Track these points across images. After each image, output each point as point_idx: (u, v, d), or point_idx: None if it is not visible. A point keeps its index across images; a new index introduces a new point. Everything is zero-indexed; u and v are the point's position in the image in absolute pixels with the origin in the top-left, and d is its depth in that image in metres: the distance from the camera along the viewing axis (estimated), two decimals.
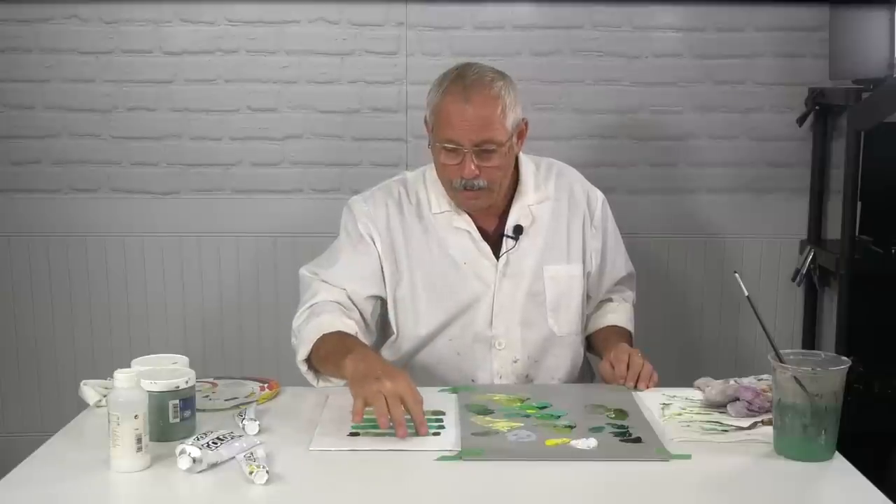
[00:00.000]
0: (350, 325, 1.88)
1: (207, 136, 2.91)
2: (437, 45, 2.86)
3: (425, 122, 1.96)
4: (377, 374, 1.62)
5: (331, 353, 1.78)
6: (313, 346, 1.83)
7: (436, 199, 1.98)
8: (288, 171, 2.93)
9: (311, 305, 1.91)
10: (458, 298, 1.96)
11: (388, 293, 1.98)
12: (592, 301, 2.11)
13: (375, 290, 1.98)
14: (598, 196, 2.07)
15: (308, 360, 1.85)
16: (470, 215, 1.97)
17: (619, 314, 2.12)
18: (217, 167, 2.92)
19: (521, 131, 1.94)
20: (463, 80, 1.88)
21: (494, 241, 1.98)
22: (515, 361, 1.97)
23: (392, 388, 1.58)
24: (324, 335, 1.83)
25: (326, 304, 1.90)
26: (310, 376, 1.86)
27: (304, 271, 1.99)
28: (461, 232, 1.97)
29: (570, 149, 2.88)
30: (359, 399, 1.60)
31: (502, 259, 1.96)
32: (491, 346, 1.97)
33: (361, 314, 1.95)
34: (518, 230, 1.97)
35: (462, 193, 1.91)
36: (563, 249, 2.00)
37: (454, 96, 1.87)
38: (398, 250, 1.97)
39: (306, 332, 1.85)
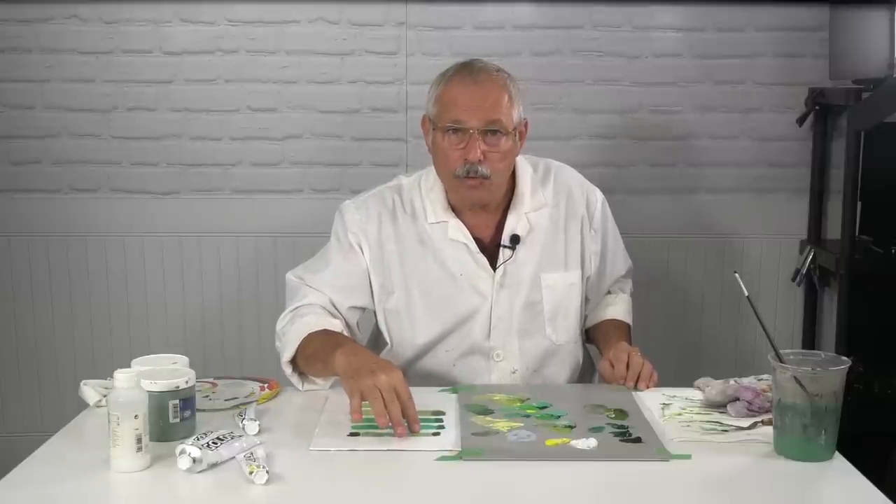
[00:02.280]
0: (336, 325, 1.87)
1: (207, 136, 2.91)
2: (437, 45, 2.86)
3: (423, 122, 1.94)
4: (371, 367, 1.60)
5: (318, 351, 1.76)
6: (299, 346, 1.81)
7: (431, 208, 1.94)
8: (288, 171, 2.93)
9: (296, 308, 1.89)
10: (456, 311, 1.93)
11: (377, 305, 1.96)
12: (591, 304, 2.09)
13: (361, 302, 1.95)
14: (598, 197, 2.04)
15: (293, 363, 1.83)
16: (466, 225, 1.93)
17: (617, 306, 2.10)
18: (217, 167, 2.92)
19: (521, 131, 1.92)
20: (469, 68, 1.88)
21: (491, 251, 1.94)
22: (514, 372, 1.95)
23: (387, 381, 1.57)
24: (310, 334, 1.81)
25: (311, 307, 1.89)
26: (294, 378, 1.84)
27: (290, 276, 1.97)
28: (458, 244, 1.93)
29: (570, 149, 2.88)
30: (355, 395, 1.58)
31: (499, 270, 1.93)
32: (489, 357, 1.94)
33: (346, 322, 1.93)
34: (515, 240, 1.93)
35: (463, 182, 1.85)
36: (560, 256, 1.97)
37: (462, 78, 1.86)
38: (390, 261, 1.94)
39: (291, 333, 1.83)
